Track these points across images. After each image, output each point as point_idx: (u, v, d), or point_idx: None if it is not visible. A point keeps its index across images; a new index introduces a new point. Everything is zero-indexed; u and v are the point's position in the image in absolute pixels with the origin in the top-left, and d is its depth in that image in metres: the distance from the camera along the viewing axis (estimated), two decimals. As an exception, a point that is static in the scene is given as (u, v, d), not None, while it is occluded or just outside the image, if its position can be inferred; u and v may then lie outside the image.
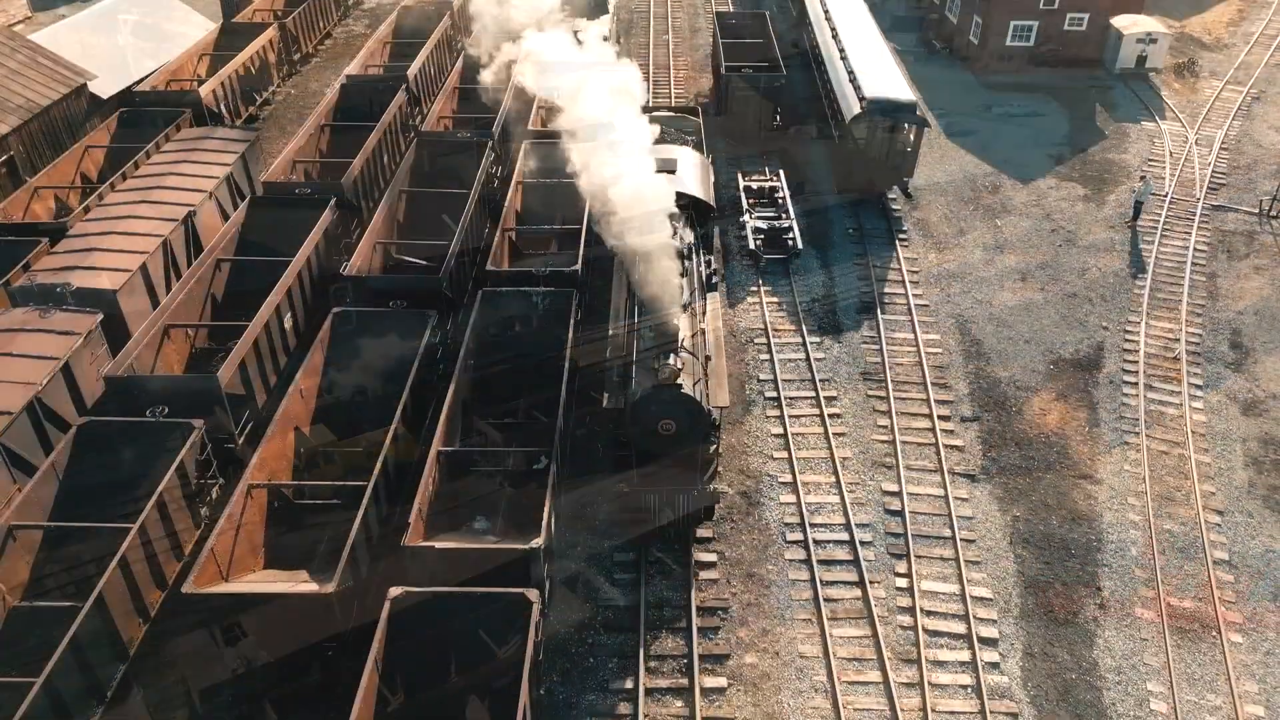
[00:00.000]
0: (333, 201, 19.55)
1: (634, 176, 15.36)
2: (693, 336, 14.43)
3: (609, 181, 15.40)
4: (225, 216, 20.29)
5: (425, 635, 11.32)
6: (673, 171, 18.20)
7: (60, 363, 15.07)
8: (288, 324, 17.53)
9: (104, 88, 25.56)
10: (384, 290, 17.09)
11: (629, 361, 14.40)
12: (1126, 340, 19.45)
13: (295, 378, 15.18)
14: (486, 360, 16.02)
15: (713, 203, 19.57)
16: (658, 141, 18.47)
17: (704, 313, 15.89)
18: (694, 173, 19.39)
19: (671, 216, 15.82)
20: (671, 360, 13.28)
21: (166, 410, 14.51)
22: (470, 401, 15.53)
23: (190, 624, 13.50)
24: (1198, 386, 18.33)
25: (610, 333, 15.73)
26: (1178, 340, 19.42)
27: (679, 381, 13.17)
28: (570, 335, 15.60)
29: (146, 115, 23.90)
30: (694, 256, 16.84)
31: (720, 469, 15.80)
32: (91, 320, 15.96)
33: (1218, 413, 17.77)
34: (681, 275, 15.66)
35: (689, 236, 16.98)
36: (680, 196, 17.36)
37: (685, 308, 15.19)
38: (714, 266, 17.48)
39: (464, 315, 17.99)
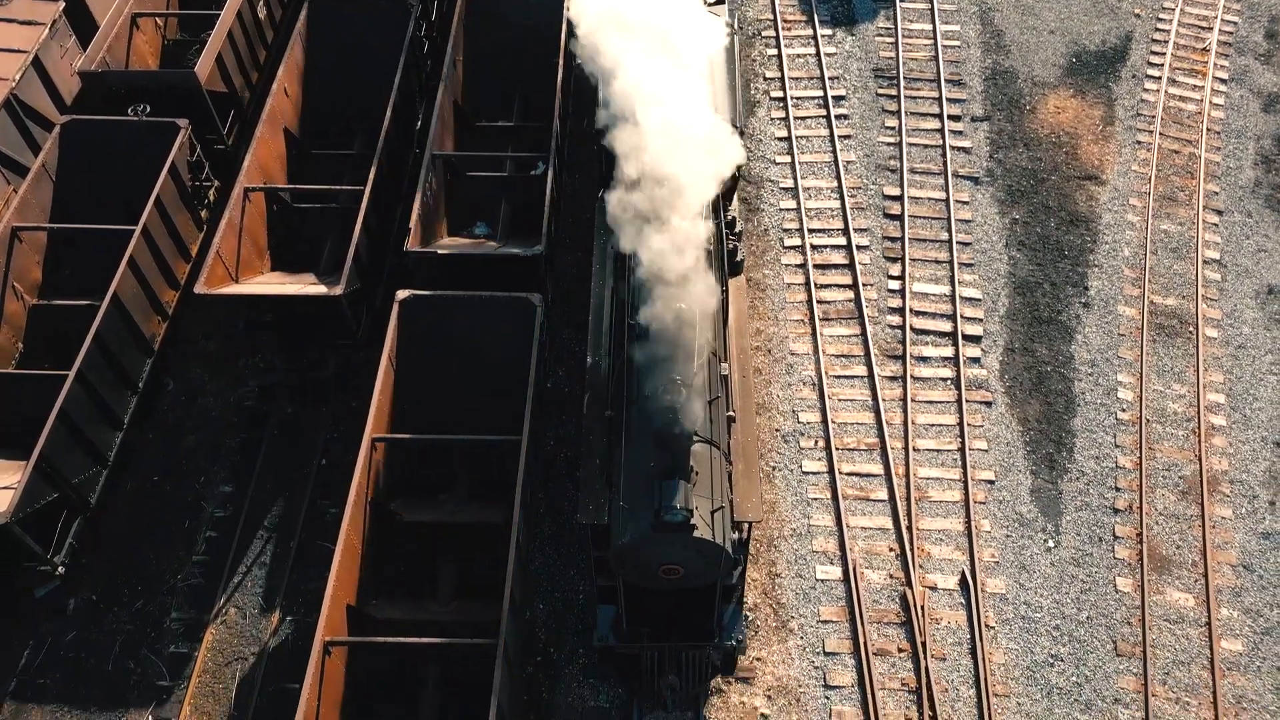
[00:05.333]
0: None
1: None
2: (712, 403, 9.61)
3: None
4: (176, -116, 18.19)
5: (433, 336, 11.83)
6: None
7: (30, 56, 14.32)
8: (261, 13, 16.40)
9: None
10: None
11: (617, 459, 9.64)
12: (1158, 29, 18.27)
13: (277, 74, 14.49)
14: (475, 57, 15.17)
15: (740, 123, 12.21)
16: None
17: (724, 323, 10.88)
18: (713, 70, 11.72)
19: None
20: (679, 495, 8.78)
21: (148, 109, 14.03)
22: (461, 103, 14.94)
23: (208, 322, 14.17)
24: (1222, 80, 17.52)
25: (589, 360, 11.02)
26: (1211, 29, 18.24)
27: (691, 524, 8.85)
28: (565, 28, 14.62)
29: None
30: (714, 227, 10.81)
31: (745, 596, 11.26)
32: (54, 8, 14.93)
33: (1237, 108, 17.16)
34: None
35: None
36: None
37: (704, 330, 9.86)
38: (738, 228, 12.06)
39: (448, 6, 16.76)
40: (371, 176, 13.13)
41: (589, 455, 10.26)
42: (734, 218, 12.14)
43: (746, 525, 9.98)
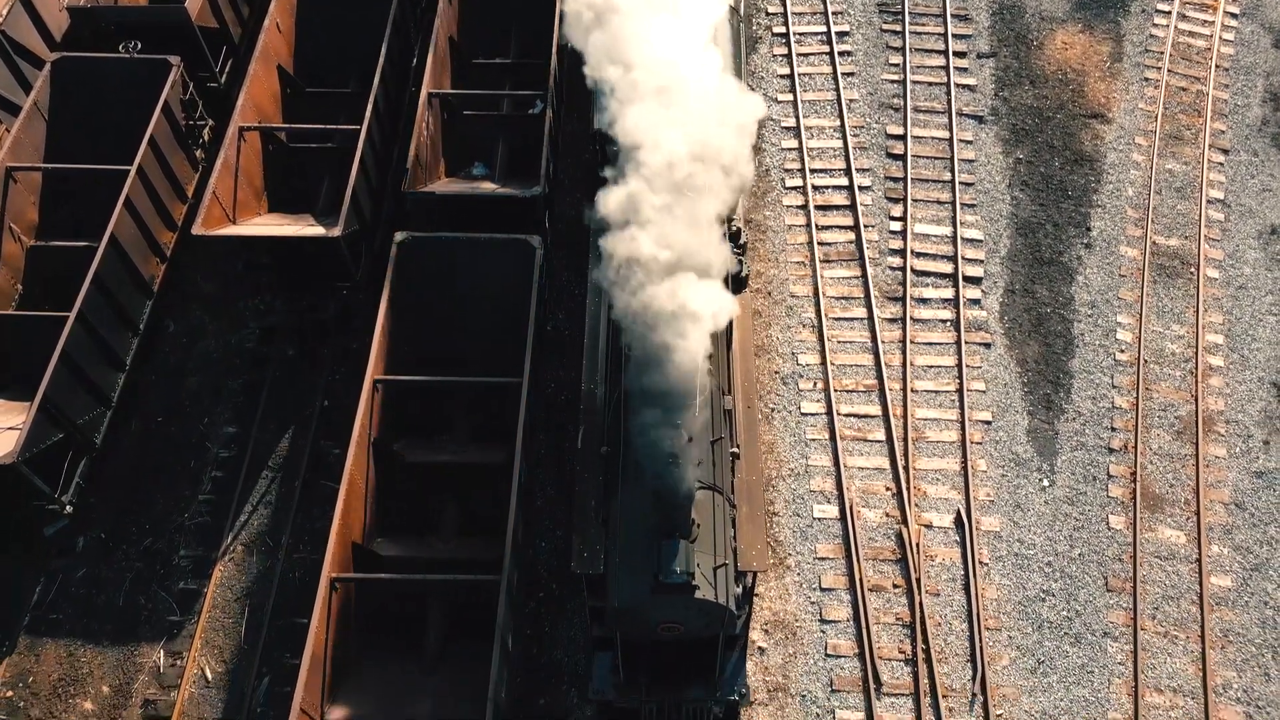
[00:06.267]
0: None
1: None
2: (715, 443, 9.31)
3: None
4: None
5: (432, 279, 11.80)
6: None
7: (15, -9, 14.04)
8: (252, -54, 16.02)
9: None
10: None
11: (613, 506, 9.24)
12: (1170, -38, 17.84)
13: (269, 9, 14.20)
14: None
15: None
16: None
17: (728, 344, 10.33)
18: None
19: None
20: (679, 558, 8.43)
21: (139, 46, 13.80)
22: (457, 39, 14.66)
23: (206, 264, 14.13)
24: (1233, 15, 17.17)
25: (583, 387, 10.49)
26: (1225, -37, 17.81)
27: (694, 585, 8.54)
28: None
29: None
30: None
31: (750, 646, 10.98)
32: (38, -59, 14.57)
33: (1248, 44, 16.85)
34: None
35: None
36: None
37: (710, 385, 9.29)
38: (743, 239, 11.22)
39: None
40: (367, 116, 12.96)
41: (583, 494, 9.79)
42: (739, 229, 11.22)
43: (751, 574, 9.55)
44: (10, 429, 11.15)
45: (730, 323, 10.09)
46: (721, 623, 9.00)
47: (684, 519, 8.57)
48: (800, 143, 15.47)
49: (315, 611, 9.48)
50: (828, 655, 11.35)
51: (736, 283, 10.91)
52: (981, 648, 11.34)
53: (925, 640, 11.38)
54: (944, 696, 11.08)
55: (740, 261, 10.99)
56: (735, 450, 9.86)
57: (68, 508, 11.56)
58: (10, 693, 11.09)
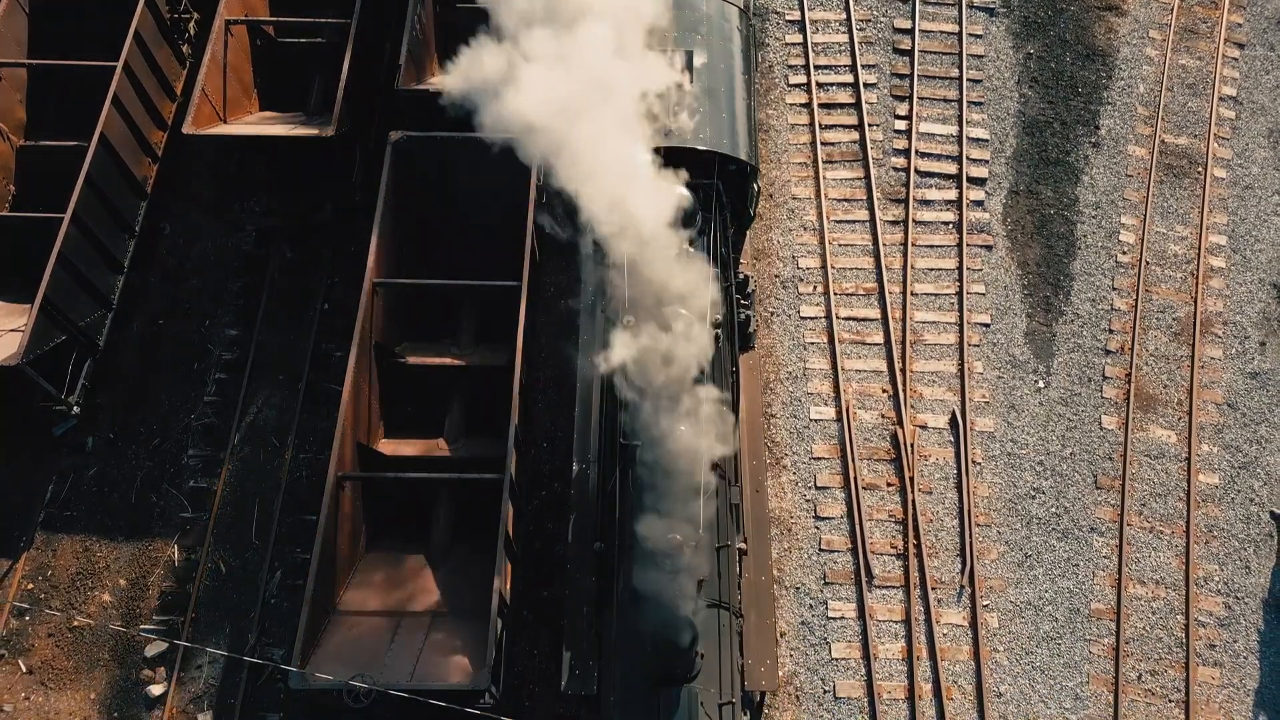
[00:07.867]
0: None
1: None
2: (721, 549, 8.51)
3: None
4: None
5: (429, 179, 11.64)
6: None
7: (-16, -125, 13.38)
8: None
9: None
10: None
11: (608, 623, 8.58)
12: None
13: (252, -107, 13.58)
14: None
15: (756, 160, 10.63)
16: None
17: (735, 417, 9.24)
18: (722, 87, 10.11)
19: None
20: (682, 711, 7.81)
21: (118, -66, 13.25)
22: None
23: (199, 164, 13.91)
24: (1261, -99, 16.43)
25: (574, 467, 9.58)
26: None
27: None
28: None
29: None
30: (724, 306, 9.14)
31: None
32: None
33: (1274, -67, 16.19)
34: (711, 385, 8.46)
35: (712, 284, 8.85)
36: (691, 162, 8.99)
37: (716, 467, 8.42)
38: (751, 287, 10.26)
39: None
40: (357, 8, 12.54)
41: (575, 598, 9.11)
42: (746, 277, 10.10)
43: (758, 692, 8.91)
44: (13, 331, 11.21)
45: (737, 384, 9.19)
46: None
47: (686, 664, 7.96)
48: (805, 37, 15.01)
49: (323, 509, 9.74)
50: (821, 550, 11.70)
51: (743, 339, 9.91)
52: (971, 542, 11.67)
53: (917, 536, 11.72)
54: (933, 589, 11.47)
55: (747, 316, 10.01)
56: (742, 546, 9.08)
57: (75, 408, 11.72)
58: (31, 585, 11.48)
